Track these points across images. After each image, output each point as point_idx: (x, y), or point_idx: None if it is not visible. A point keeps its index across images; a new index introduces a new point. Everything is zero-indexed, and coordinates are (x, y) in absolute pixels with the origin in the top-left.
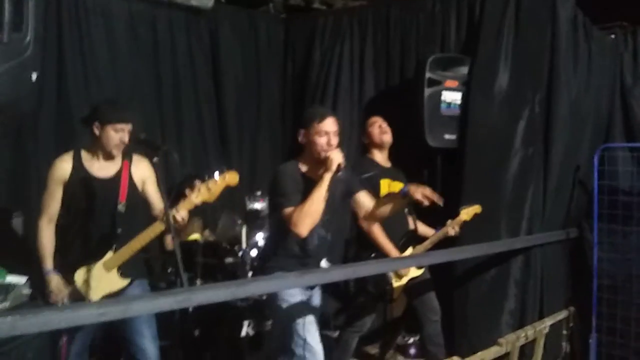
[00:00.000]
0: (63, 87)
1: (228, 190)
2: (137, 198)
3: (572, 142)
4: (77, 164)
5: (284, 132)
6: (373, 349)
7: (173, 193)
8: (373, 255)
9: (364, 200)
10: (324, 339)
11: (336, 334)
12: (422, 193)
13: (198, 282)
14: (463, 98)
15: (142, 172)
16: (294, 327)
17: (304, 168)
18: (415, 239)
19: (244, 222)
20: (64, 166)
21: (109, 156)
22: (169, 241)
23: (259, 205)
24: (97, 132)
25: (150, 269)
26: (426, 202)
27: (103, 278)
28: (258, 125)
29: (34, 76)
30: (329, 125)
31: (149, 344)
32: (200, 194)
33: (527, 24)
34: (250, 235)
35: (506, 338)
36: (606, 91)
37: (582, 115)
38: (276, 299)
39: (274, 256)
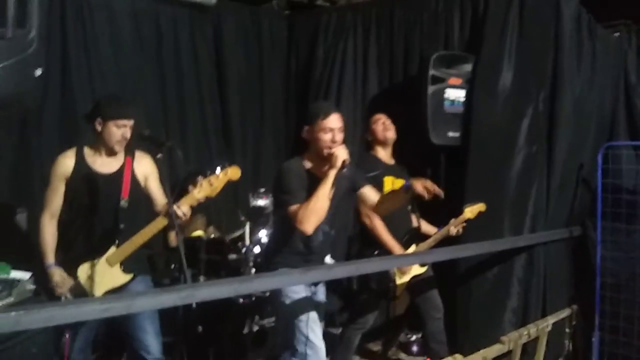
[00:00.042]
0: (67, 83)
1: (232, 187)
2: (140, 194)
3: (575, 140)
4: (80, 160)
5: (287, 129)
6: (375, 346)
7: (177, 189)
8: (376, 252)
9: (369, 194)
10: (327, 335)
11: (339, 330)
12: (422, 185)
13: (201, 278)
14: (467, 96)
15: (145, 168)
16: (296, 323)
17: (308, 165)
18: (419, 236)
19: (247, 219)
20: (66, 162)
21: (111, 152)
22: (173, 237)
23: (262, 202)
24: (99, 128)
25: (154, 266)
26: (427, 195)
27: (106, 273)
28: (261, 122)
29: (38, 72)
30: (333, 121)
31: (152, 340)
32: (202, 189)
33: (530, 22)
34: (253, 232)
35: (509, 336)
36: (610, 89)
37: (586, 114)
38: (280, 295)
39: (279, 253)
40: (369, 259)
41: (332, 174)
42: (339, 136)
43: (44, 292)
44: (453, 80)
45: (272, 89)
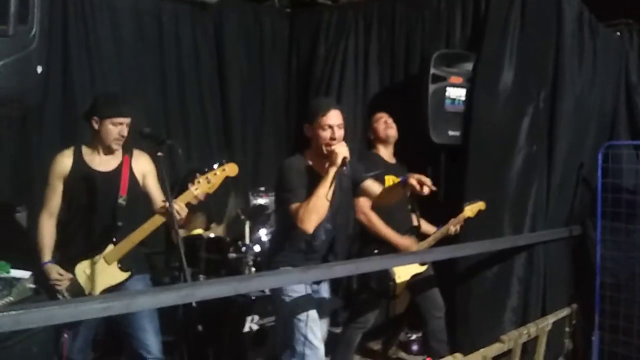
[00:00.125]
0: (68, 81)
1: (233, 186)
2: (138, 192)
3: (576, 140)
4: (78, 158)
5: (288, 127)
6: (376, 345)
7: (177, 187)
8: (376, 251)
9: (372, 186)
10: (328, 335)
11: (339, 330)
12: (417, 179)
13: (201, 277)
14: (467, 94)
15: (143, 166)
16: (295, 323)
17: (310, 162)
18: (419, 236)
19: (247, 218)
20: (64, 161)
21: (109, 150)
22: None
23: (262, 200)
24: (96, 126)
25: (154, 264)
26: (418, 187)
27: (103, 271)
28: (262, 119)
29: (39, 69)
30: (333, 118)
31: (152, 339)
32: (199, 185)
33: (532, 21)
34: (253, 230)
35: (509, 335)
36: (611, 88)
37: (587, 113)
38: (280, 293)
39: (281, 251)
40: (368, 258)
41: (332, 171)
42: (339, 133)
43: (45, 290)
44: (454, 79)
45: (273, 87)
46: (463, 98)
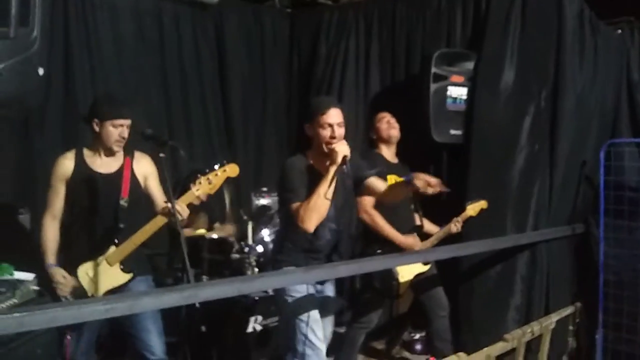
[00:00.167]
0: (70, 82)
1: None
2: (140, 194)
3: (578, 138)
4: (80, 161)
5: (290, 127)
6: (379, 345)
7: (178, 187)
8: (379, 250)
9: (376, 183)
10: (332, 334)
11: (343, 329)
12: (424, 180)
13: (204, 278)
14: (469, 93)
15: (144, 168)
16: (297, 323)
17: (312, 161)
18: (421, 235)
19: (250, 218)
20: (66, 163)
21: (110, 152)
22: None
23: (265, 201)
24: (97, 129)
25: (156, 265)
26: (428, 190)
27: (106, 273)
28: (264, 120)
29: (41, 71)
30: (332, 117)
31: (155, 340)
32: (200, 186)
33: (533, 20)
34: (256, 231)
35: (512, 334)
36: (612, 86)
37: (588, 111)
38: (282, 293)
39: (284, 250)
40: (371, 258)
41: (333, 170)
42: (339, 131)
43: (48, 293)
44: (455, 78)
45: (274, 87)
46: (464, 97)
